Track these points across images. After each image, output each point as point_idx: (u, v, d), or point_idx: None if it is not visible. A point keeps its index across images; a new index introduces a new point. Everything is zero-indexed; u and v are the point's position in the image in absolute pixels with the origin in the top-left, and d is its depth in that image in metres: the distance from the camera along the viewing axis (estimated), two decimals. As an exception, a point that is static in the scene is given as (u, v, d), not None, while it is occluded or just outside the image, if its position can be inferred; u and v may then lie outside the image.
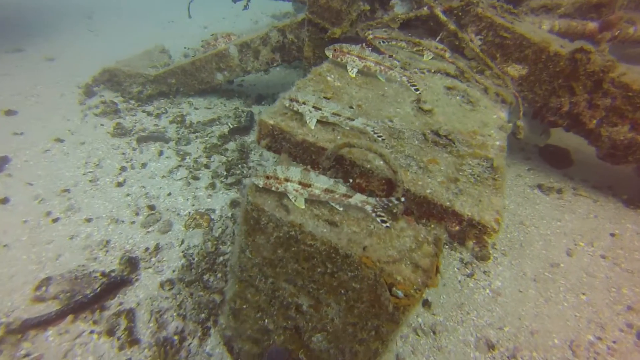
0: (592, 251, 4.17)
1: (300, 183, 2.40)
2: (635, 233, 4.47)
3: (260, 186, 2.46)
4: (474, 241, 2.57)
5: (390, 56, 4.05)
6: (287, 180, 2.40)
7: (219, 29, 7.84)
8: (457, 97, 3.83)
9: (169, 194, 4.84)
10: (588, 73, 4.25)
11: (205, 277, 3.80)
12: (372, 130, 2.86)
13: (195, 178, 5.11)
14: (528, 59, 4.51)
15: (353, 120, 2.83)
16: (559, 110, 4.53)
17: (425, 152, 2.96)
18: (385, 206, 2.50)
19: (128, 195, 4.75)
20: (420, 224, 2.68)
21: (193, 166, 5.31)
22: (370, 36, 4.33)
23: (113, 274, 3.73)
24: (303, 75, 4.94)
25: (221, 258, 4.03)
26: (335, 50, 3.60)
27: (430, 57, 4.40)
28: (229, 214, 4.56)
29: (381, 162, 2.60)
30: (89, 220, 4.31)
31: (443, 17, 4.49)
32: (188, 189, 4.95)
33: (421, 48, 4.32)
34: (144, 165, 5.29)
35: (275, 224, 2.36)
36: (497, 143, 3.28)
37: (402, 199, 2.50)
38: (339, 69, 3.73)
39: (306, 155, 2.79)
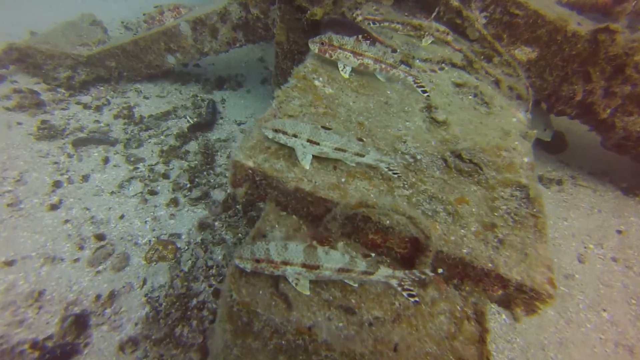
0: (603, 254, 3.91)
1: (304, 265, 1.72)
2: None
3: (248, 271, 1.76)
4: (522, 308, 2.07)
5: (390, 48, 3.26)
6: (286, 263, 1.71)
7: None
8: (470, 97, 3.18)
9: (122, 217, 3.96)
10: (609, 57, 3.71)
11: (178, 330, 3.13)
12: (387, 167, 2.17)
13: (153, 192, 4.22)
14: (540, 41, 3.88)
15: (363, 156, 2.12)
16: (571, 100, 4.02)
17: (451, 187, 2.34)
18: (416, 279, 1.90)
19: (67, 221, 3.82)
20: (451, 284, 2.13)
21: (148, 176, 4.39)
22: (360, 17, 3.47)
23: (50, 344, 2.93)
24: (275, 65, 4.04)
25: (195, 300, 3.34)
26: (322, 44, 2.76)
27: (430, 42, 3.65)
28: (198, 239, 3.80)
29: (403, 217, 1.96)
30: (10, 263, 3.39)
31: (446, -10, 3.68)
32: (145, 208, 4.08)
33: (420, 32, 3.54)
34: (85, 177, 4.29)
35: (273, 328, 1.69)
36: (526, 160, 2.72)
37: (441, 271, 1.92)
38: (327, 67, 2.91)
39: (301, 205, 2.08)
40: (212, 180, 4.40)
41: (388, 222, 1.98)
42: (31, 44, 5.26)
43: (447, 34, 3.66)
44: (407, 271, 1.89)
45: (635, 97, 3.80)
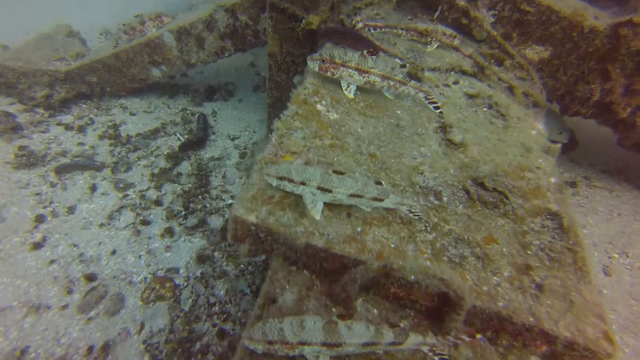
0: (630, 263, 3.70)
1: (325, 344, 1.47)
2: (661, 231, 4.05)
3: (259, 353, 1.50)
4: (570, 366, 1.84)
5: (397, 59, 2.97)
6: (303, 344, 1.46)
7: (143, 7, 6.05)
8: (484, 109, 2.90)
9: (114, 252, 3.67)
10: (631, 52, 3.41)
11: (181, 381, 2.89)
12: (408, 210, 1.91)
13: (146, 222, 3.93)
14: (554, 38, 3.59)
15: (382, 200, 1.85)
16: (587, 100, 3.75)
17: (477, 224, 2.08)
18: (450, 344, 1.66)
19: (52, 262, 3.53)
20: (485, 337, 1.89)
21: (140, 204, 4.09)
22: (360, 24, 3.16)
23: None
24: (268, 78, 3.69)
25: (198, 344, 3.09)
26: (323, 61, 2.46)
27: (436, 47, 3.35)
28: (198, 274, 3.54)
29: (428, 268, 1.70)
30: (-5, 315, 3.12)
31: (451, -11, 3.36)
32: (138, 240, 3.79)
33: (426, 39, 3.25)
34: (71, 209, 3.99)
35: None
36: (553, 181, 2.47)
37: (480, 337, 1.68)
38: (330, 86, 2.61)
39: (313, 261, 1.82)
40: (208, 205, 4.12)
41: (413, 277, 1.72)
42: (1, 61, 4.87)
43: (454, 37, 3.37)
44: (439, 337, 1.64)
45: (657, 95, 3.55)
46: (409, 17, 3.55)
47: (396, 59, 3.07)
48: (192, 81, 5.91)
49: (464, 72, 3.14)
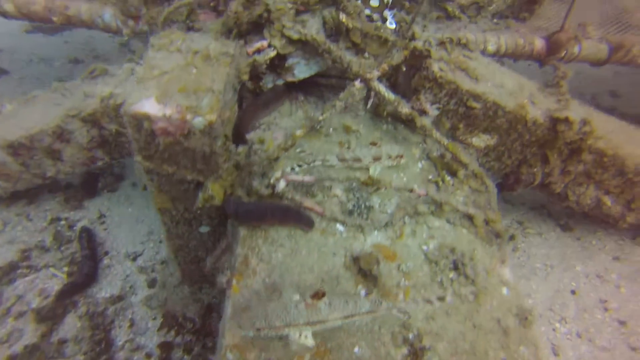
0: (568, 331, 3.82)
1: None
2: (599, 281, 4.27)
3: None
4: None
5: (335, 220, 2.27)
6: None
7: None
8: (450, 274, 2.43)
9: None
10: (566, 142, 3.25)
11: None
12: None
13: None
14: (500, 129, 3.22)
15: None
16: (531, 184, 3.57)
17: None
18: None
19: None
20: None
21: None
22: (282, 184, 2.33)
23: None
24: (165, 236, 2.57)
25: None
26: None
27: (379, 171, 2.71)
28: None
29: None
30: None
31: (390, 96, 2.66)
32: None
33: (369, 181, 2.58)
34: None
35: None
36: (536, 374, 2.18)
37: None
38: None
39: None
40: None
41: None
42: None
43: (400, 157, 2.76)
44: None
45: (585, 173, 3.52)
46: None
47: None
48: (59, 164, 4.39)
49: (419, 214, 2.59)
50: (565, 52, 3.67)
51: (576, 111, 3.45)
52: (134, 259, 3.80)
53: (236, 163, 2.23)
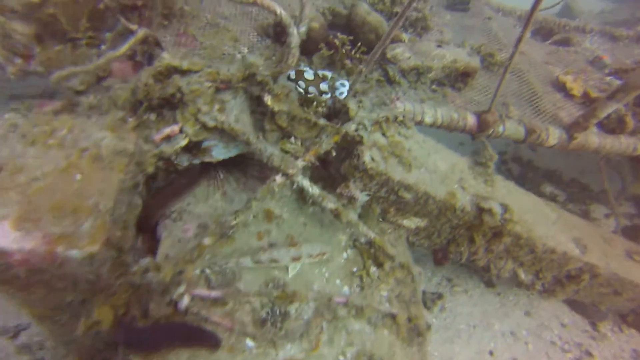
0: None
1: None
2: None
3: None
4: None
5: None
6: None
7: None
8: (370, 391, 2.30)
9: None
10: (490, 227, 3.33)
11: None
12: None
13: None
14: (431, 215, 3.19)
15: None
16: (458, 260, 3.63)
17: None
18: None
19: None
20: None
21: None
22: (184, 301, 2.03)
23: None
24: None
25: None
26: None
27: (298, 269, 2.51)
28: None
29: None
30: None
31: (314, 192, 2.46)
32: None
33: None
34: None
35: None
36: None
37: None
38: None
39: None
40: None
41: None
42: None
43: (323, 254, 2.57)
44: None
45: (505, 250, 3.65)
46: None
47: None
48: None
49: (337, 319, 2.44)
50: (492, 130, 3.77)
51: (499, 190, 3.58)
52: (14, 336, 3.21)
53: (131, 282, 1.89)
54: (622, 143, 4.18)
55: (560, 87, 4.78)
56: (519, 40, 2.99)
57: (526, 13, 6.21)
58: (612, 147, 4.14)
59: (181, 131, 2.32)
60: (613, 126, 4.28)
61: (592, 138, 4.09)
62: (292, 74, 2.83)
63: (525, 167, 6.45)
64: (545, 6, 4.73)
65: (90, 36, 2.99)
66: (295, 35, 2.41)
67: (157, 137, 2.23)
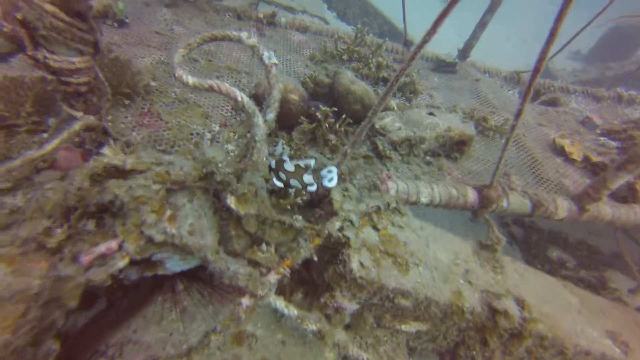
0: None
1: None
2: None
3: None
4: None
5: None
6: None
7: None
8: None
9: None
10: (505, 329, 2.79)
11: None
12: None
13: None
14: (434, 319, 2.66)
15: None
16: (470, 367, 3.03)
17: None
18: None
19: None
20: None
21: None
22: None
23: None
24: None
25: None
26: None
27: None
28: None
29: None
30: None
31: (292, 313, 1.96)
32: None
33: None
34: None
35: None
36: None
37: None
38: None
39: None
40: None
41: None
42: None
43: None
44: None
45: (527, 350, 3.08)
46: None
47: None
48: None
49: None
50: (495, 206, 3.37)
51: (510, 278, 3.09)
52: None
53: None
54: (638, 212, 3.80)
55: (559, 151, 4.50)
56: (519, 112, 2.68)
57: (511, 74, 6.15)
58: (627, 218, 3.74)
59: (121, 247, 1.84)
60: (623, 194, 3.93)
61: (605, 209, 3.70)
62: (273, 164, 2.45)
63: (527, 229, 6.02)
64: (528, 68, 4.60)
65: (34, 121, 2.61)
66: (261, 126, 2.04)
67: (86, 258, 1.75)
